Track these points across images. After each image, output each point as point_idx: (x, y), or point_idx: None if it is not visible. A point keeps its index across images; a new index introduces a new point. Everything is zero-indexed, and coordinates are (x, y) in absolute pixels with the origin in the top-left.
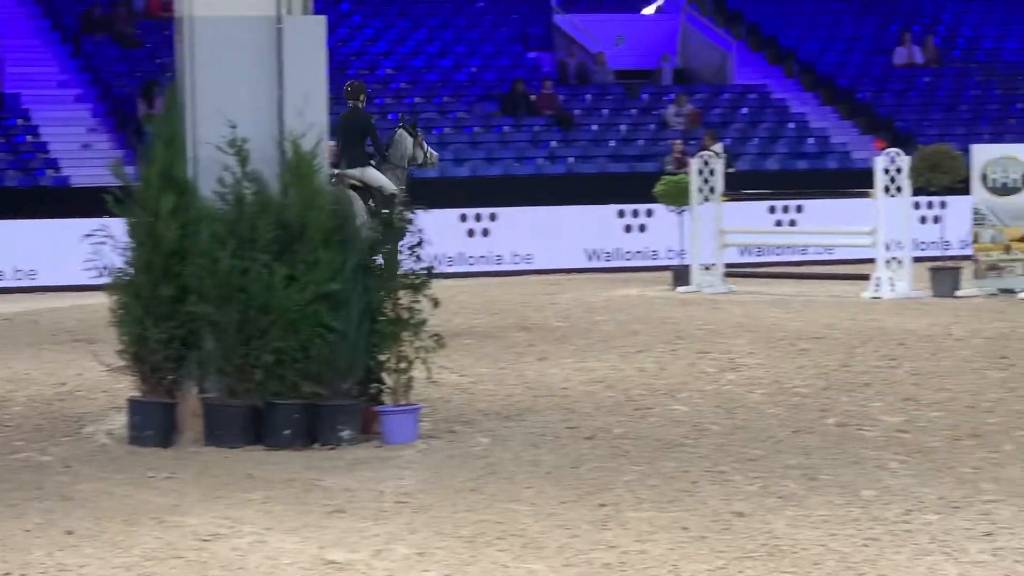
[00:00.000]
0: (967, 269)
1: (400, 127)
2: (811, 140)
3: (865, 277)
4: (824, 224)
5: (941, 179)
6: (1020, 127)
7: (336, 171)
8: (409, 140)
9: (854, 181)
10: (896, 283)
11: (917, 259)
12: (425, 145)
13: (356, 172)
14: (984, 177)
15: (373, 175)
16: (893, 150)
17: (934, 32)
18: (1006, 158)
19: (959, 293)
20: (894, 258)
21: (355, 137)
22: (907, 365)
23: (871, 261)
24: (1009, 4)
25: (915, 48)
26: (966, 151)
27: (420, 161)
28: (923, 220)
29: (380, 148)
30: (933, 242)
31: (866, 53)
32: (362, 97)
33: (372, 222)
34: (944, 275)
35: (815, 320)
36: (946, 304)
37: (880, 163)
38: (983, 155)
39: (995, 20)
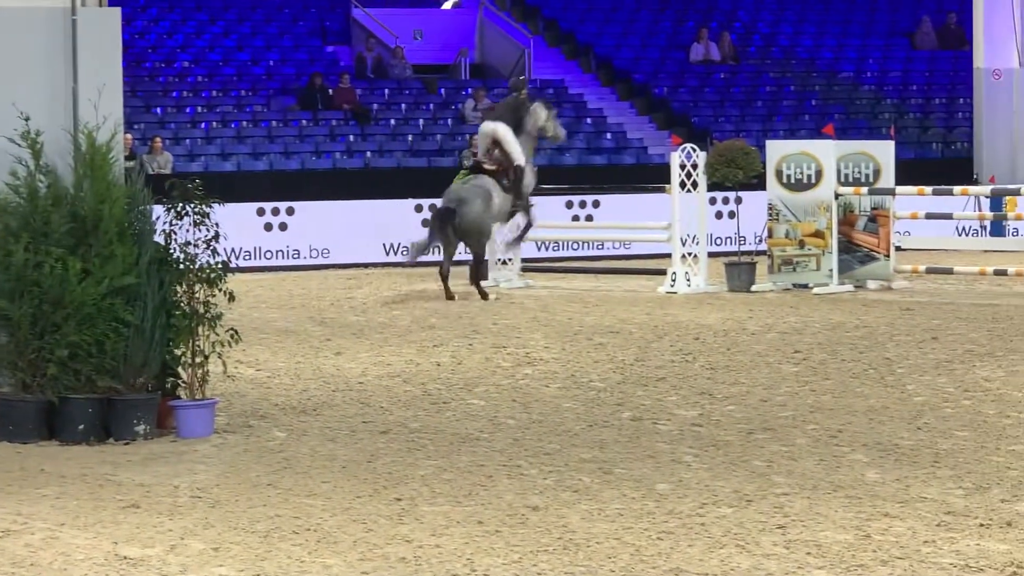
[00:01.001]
0: (762, 264)
1: (539, 100)
2: (608, 135)
3: (661, 272)
4: (621, 219)
5: (736, 174)
6: (814, 123)
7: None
8: (543, 112)
9: (651, 176)
10: (692, 278)
11: (712, 254)
12: (556, 120)
13: (505, 132)
14: (779, 173)
15: (512, 142)
16: (689, 145)
17: (731, 29)
18: (800, 154)
19: (754, 288)
20: (690, 253)
21: (507, 112)
22: (702, 359)
23: (667, 256)
24: (804, 2)
25: (712, 45)
26: (761, 147)
27: (550, 134)
28: (719, 215)
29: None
30: (728, 237)
31: (663, 49)
32: (524, 91)
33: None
34: (739, 270)
35: (611, 315)
36: (741, 299)
37: (676, 158)
38: (778, 151)
39: (790, 18)
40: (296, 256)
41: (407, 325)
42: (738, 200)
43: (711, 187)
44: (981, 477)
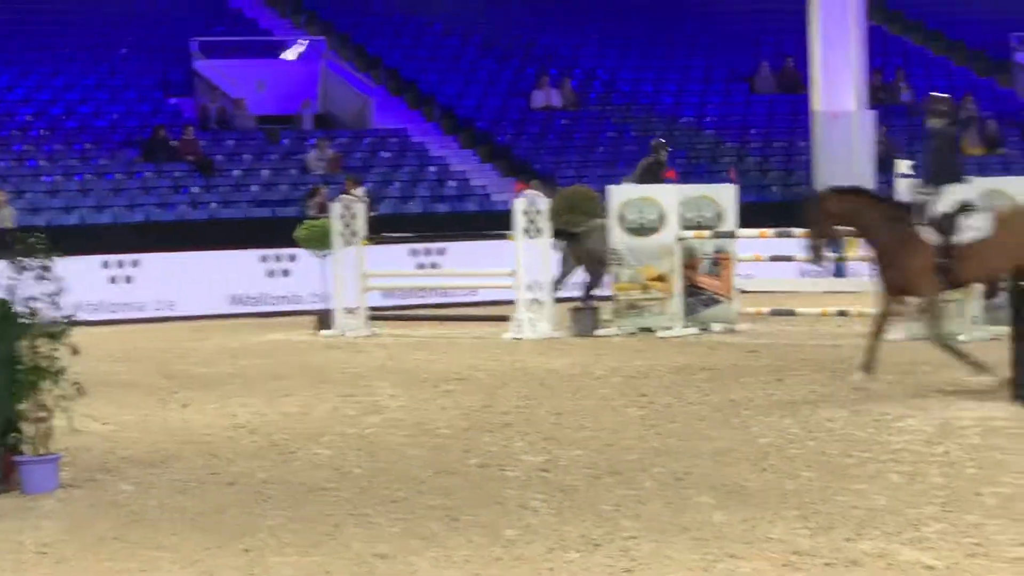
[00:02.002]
0: (607, 309)
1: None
2: (452, 183)
3: (507, 318)
4: (466, 266)
5: (579, 219)
6: None
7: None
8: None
9: (495, 223)
10: (537, 324)
11: (558, 300)
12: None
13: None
14: (621, 218)
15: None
16: (532, 192)
17: (572, 75)
18: (642, 199)
19: (599, 333)
20: (535, 299)
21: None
22: (548, 404)
23: (512, 302)
24: (644, 48)
25: (553, 91)
26: (604, 192)
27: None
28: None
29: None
30: (573, 283)
31: (505, 96)
32: (662, 152)
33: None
34: (583, 315)
35: (458, 361)
36: (586, 343)
37: (519, 205)
38: (620, 196)
39: (631, 63)
40: (141, 308)
41: (254, 376)
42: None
43: (556, 233)
44: (826, 517)
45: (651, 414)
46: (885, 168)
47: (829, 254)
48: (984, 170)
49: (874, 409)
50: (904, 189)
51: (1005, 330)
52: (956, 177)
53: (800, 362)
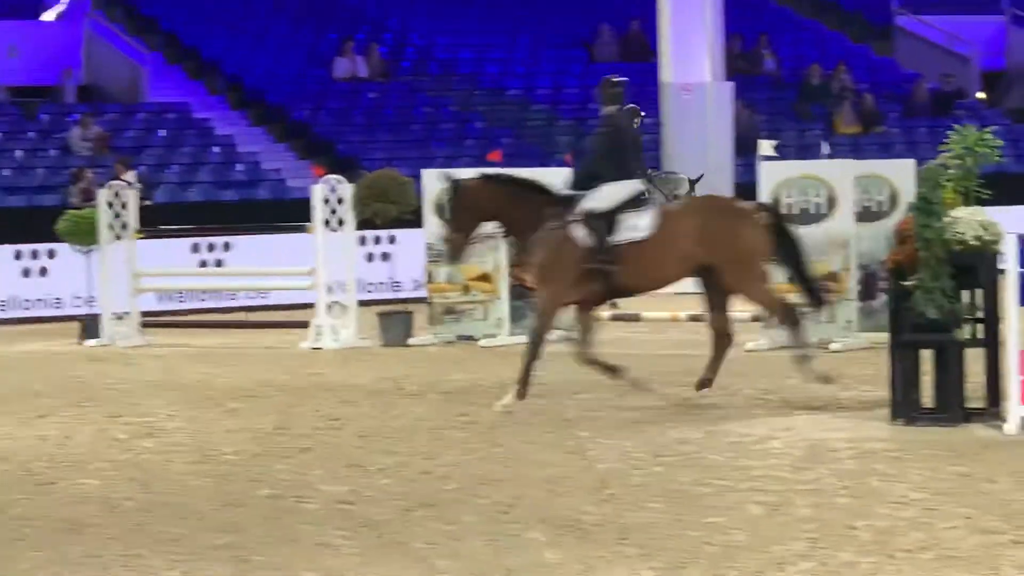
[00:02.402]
0: (421, 313)
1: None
2: (240, 166)
3: (304, 325)
4: (256, 264)
5: (390, 210)
6: (480, 148)
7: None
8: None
9: (290, 213)
10: (340, 331)
11: (364, 303)
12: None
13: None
14: (439, 207)
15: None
16: (334, 177)
17: (380, 41)
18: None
19: (412, 341)
20: (337, 302)
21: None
22: (352, 425)
23: (311, 306)
24: (465, 8)
25: (359, 59)
26: (418, 177)
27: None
28: (370, 257)
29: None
30: (382, 283)
31: (302, 65)
32: (636, 120)
33: None
34: (394, 321)
35: (247, 376)
36: (397, 354)
37: (319, 193)
38: (437, 181)
39: (448, 27)
40: None
41: (5, 393)
42: (392, 240)
43: (361, 225)
44: (675, 555)
45: (472, 436)
46: (745, 149)
47: (471, 254)
48: (859, 151)
49: (733, 429)
50: (563, 182)
51: (883, 338)
52: (628, 171)
53: (647, 373)
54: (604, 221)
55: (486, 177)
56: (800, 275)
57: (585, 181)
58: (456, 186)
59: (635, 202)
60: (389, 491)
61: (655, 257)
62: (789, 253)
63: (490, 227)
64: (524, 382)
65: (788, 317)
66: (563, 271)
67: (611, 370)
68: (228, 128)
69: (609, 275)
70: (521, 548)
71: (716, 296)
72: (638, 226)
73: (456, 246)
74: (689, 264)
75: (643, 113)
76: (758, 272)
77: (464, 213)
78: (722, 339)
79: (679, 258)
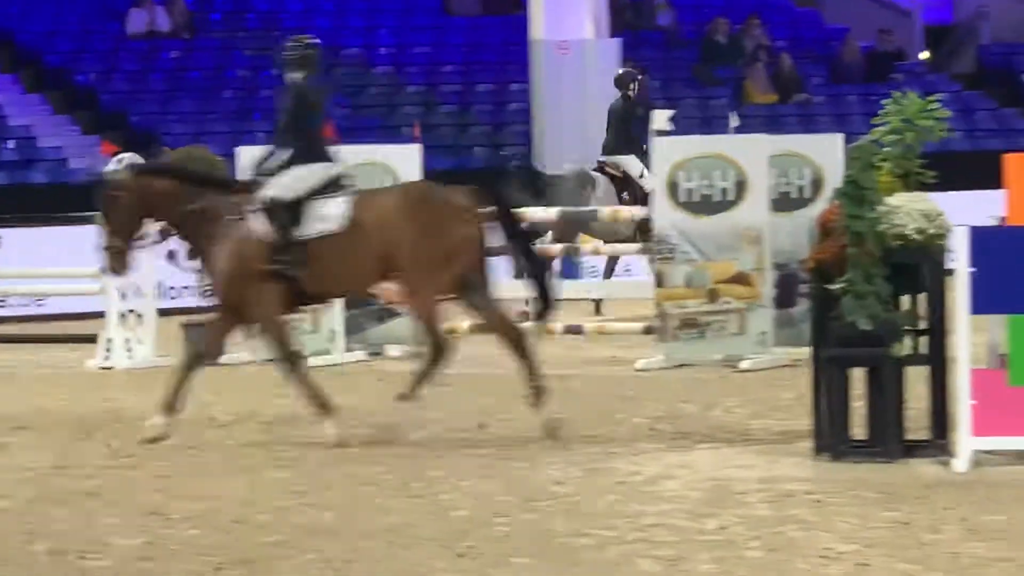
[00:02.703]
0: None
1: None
2: (10, 143)
3: (92, 339)
4: (31, 264)
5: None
6: None
7: (601, 158)
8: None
9: (73, 201)
10: (135, 346)
11: (165, 312)
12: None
13: (619, 159)
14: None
15: (631, 163)
16: (127, 156)
17: None
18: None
19: (225, 359)
20: (131, 311)
21: (621, 125)
22: (150, 463)
23: (100, 316)
24: None
25: (158, 10)
26: (232, 156)
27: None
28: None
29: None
30: (187, 287)
31: (85, 18)
32: (632, 86)
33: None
34: (201, 334)
35: (19, 402)
36: (206, 375)
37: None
38: (246, 157)
39: None
40: None
41: None
42: None
43: None
44: None
45: (299, 477)
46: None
47: (131, 260)
48: (775, 124)
49: (619, 468)
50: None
51: (805, 353)
52: (316, 151)
53: (513, 399)
54: (288, 212)
55: (142, 168)
56: (535, 282)
57: (270, 162)
58: (107, 183)
59: (329, 188)
60: (196, 544)
61: (346, 255)
62: (520, 253)
63: (156, 228)
64: (319, 400)
65: (437, 350)
66: (243, 275)
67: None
68: None
69: (293, 278)
70: None
71: (473, 296)
72: (327, 216)
73: (115, 255)
74: (389, 264)
75: (639, 77)
76: (437, 283)
77: (120, 215)
78: (512, 333)
79: (376, 257)
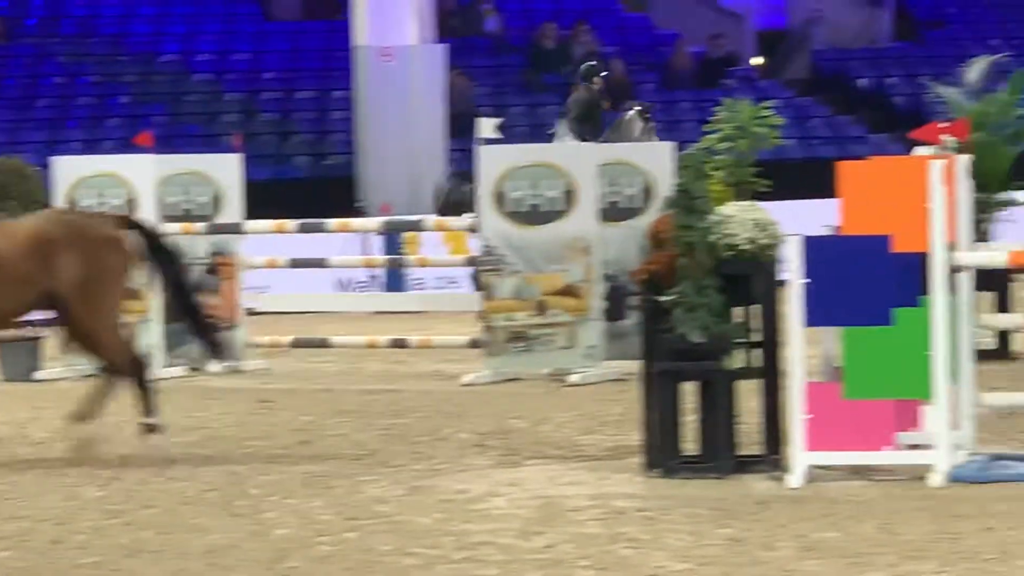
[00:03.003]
0: (52, 340)
1: (634, 110)
2: None
3: None
4: None
5: (11, 210)
6: (126, 129)
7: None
8: (639, 125)
9: None
10: None
11: None
12: (653, 133)
13: None
14: (73, 202)
15: None
16: None
17: None
18: (108, 176)
19: (39, 375)
20: None
21: (584, 116)
22: None
23: None
24: None
25: None
26: (47, 167)
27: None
28: None
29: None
30: None
31: None
32: (596, 79)
33: None
34: (16, 350)
35: None
36: (21, 391)
37: None
38: (72, 171)
39: None
40: None
41: None
42: None
43: None
44: None
45: (117, 495)
46: (461, 128)
47: None
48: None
49: (445, 485)
50: None
51: (635, 367)
52: None
53: (337, 417)
54: None
55: None
56: (186, 310)
57: None
58: None
59: None
60: (10, 566)
61: None
62: (170, 282)
63: None
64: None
65: (135, 372)
66: None
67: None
68: None
69: None
70: None
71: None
72: None
73: None
74: (30, 293)
75: (604, 72)
76: (108, 309)
77: None
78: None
79: (15, 284)
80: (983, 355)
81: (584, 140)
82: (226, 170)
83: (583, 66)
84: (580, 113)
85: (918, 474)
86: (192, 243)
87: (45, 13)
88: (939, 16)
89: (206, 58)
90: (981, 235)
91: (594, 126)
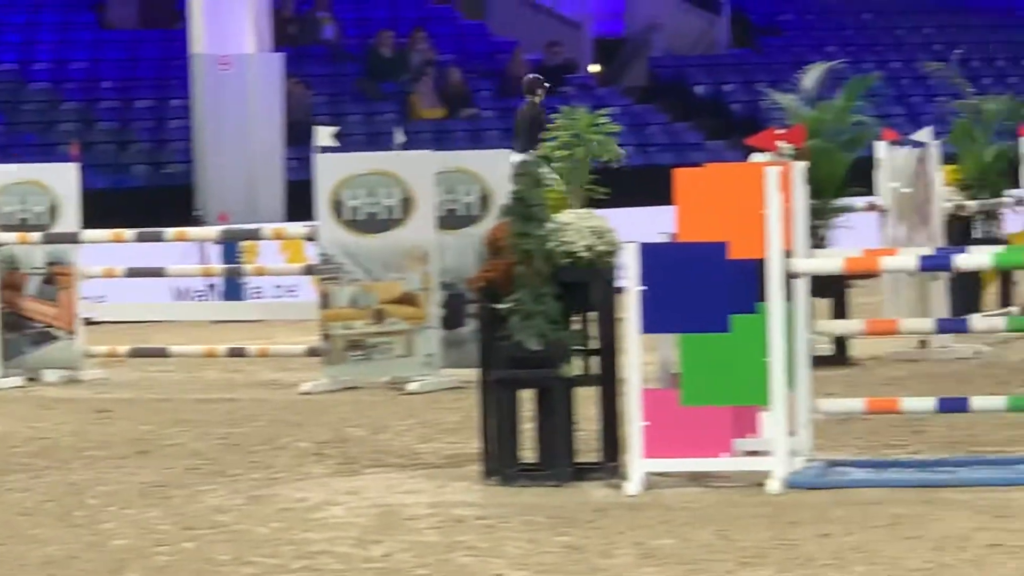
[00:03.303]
0: None
1: None
2: None
3: None
4: None
5: None
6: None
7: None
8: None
9: None
10: None
11: None
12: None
13: None
14: None
15: None
16: None
17: None
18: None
19: None
20: None
21: (529, 130)
22: None
23: None
24: None
25: None
26: None
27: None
28: None
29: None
30: None
31: None
32: (539, 91)
33: None
34: None
35: None
36: None
37: None
38: None
39: None
40: None
41: None
42: None
43: None
44: None
45: None
46: (299, 136)
47: None
48: (443, 140)
49: (283, 494)
50: None
51: (473, 375)
52: None
53: (175, 426)
54: None
55: None
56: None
57: None
58: None
59: None
60: None
61: None
62: None
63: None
64: None
65: None
66: None
67: None
68: None
69: None
70: None
71: None
72: None
73: None
74: None
75: (546, 84)
76: None
77: None
78: None
79: None
80: (820, 361)
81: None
82: (63, 179)
83: (524, 79)
84: (524, 127)
85: (756, 480)
86: (29, 253)
87: None
88: (775, 23)
89: (43, 67)
90: (818, 241)
91: (535, 139)
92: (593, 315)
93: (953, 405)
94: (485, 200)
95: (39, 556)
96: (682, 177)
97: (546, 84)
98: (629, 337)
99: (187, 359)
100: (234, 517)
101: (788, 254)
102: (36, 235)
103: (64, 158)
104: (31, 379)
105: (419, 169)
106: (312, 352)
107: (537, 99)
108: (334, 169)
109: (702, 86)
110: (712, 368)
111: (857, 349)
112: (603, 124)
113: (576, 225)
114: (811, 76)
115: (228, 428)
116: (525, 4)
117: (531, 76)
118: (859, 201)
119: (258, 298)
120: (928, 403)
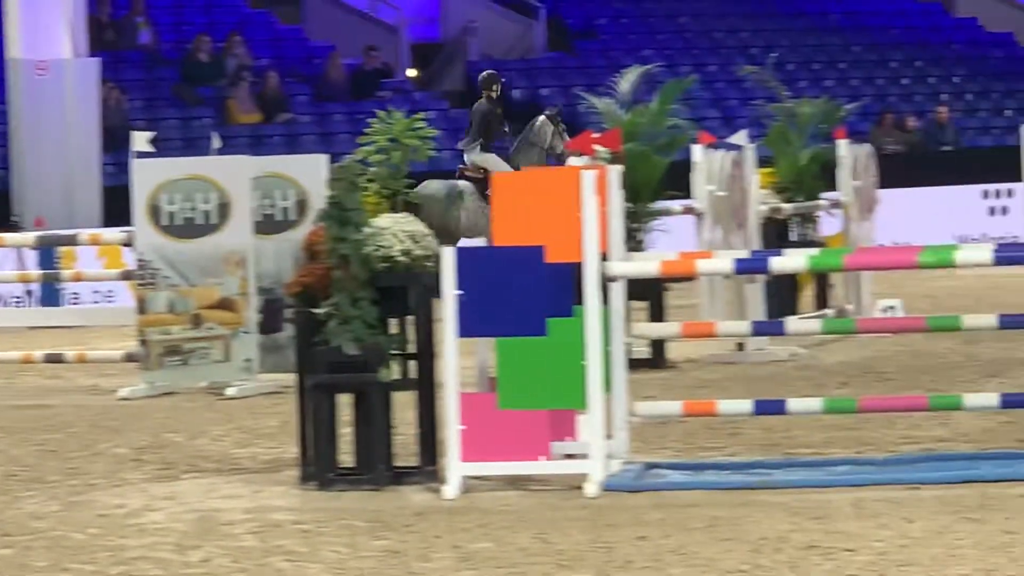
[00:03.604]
0: None
1: (545, 115)
2: None
3: None
4: None
5: None
6: None
7: (461, 164)
8: (550, 129)
9: None
10: None
11: None
12: (565, 136)
13: (479, 158)
14: None
15: (495, 161)
16: None
17: None
18: None
19: None
20: None
21: (485, 125)
22: None
23: None
24: None
25: None
26: None
27: (559, 152)
28: None
29: (498, 135)
30: None
31: None
32: (495, 87)
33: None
34: None
35: None
36: None
37: None
38: None
39: None
40: None
41: None
42: None
43: None
44: None
45: None
46: (115, 142)
47: None
48: (260, 145)
49: (100, 500)
50: None
51: (291, 379)
52: None
53: None
54: None
55: None
56: None
57: None
58: None
59: None
60: None
61: None
62: None
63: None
64: None
65: None
66: None
67: None
68: None
69: None
70: None
71: None
72: None
73: None
74: None
75: (502, 79)
76: None
77: None
78: None
79: None
80: (637, 364)
81: (488, 151)
82: None
83: (481, 76)
84: (481, 123)
85: (573, 484)
86: None
87: None
88: (591, 27)
89: None
90: (635, 245)
91: (494, 135)
92: (410, 319)
93: (770, 407)
94: (302, 205)
95: None
96: (499, 181)
97: (502, 80)
98: (446, 341)
99: (4, 365)
100: (51, 523)
101: (604, 257)
102: None
103: None
104: None
105: (236, 174)
106: (130, 358)
107: (493, 95)
108: (151, 174)
109: (518, 90)
110: (529, 372)
111: (674, 352)
112: (420, 128)
113: (393, 229)
114: (627, 80)
115: (46, 434)
116: (341, 8)
117: (487, 72)
118: (675, 204)
119: (76, 304)
120: (745, 405)
